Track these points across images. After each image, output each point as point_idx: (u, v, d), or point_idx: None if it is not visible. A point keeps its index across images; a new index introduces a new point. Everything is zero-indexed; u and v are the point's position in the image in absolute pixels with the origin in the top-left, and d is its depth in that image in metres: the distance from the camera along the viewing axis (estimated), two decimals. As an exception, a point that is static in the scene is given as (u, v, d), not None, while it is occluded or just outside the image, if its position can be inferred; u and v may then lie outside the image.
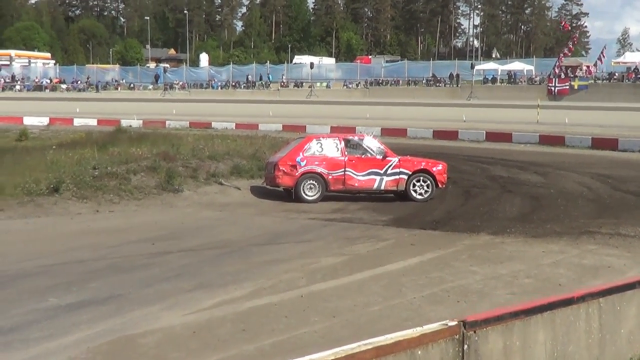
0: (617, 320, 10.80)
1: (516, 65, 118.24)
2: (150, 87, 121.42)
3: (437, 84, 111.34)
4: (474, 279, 18.35)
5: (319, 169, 31.05)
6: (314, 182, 30.99)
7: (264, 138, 48.43)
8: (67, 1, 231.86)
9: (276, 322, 14.53)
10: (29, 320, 14.76)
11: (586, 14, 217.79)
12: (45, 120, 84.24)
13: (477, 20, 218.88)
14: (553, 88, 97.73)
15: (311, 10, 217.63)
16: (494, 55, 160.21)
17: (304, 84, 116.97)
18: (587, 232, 24.89)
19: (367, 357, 7.63)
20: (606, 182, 37.91)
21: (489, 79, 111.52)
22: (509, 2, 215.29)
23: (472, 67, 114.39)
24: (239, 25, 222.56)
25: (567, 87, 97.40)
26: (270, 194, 32.01)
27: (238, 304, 15.84)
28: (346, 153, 31.46)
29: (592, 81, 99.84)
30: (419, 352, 8.14)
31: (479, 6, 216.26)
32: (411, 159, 32.38)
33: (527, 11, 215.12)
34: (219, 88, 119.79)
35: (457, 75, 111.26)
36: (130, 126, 72.53)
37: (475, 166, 44.81)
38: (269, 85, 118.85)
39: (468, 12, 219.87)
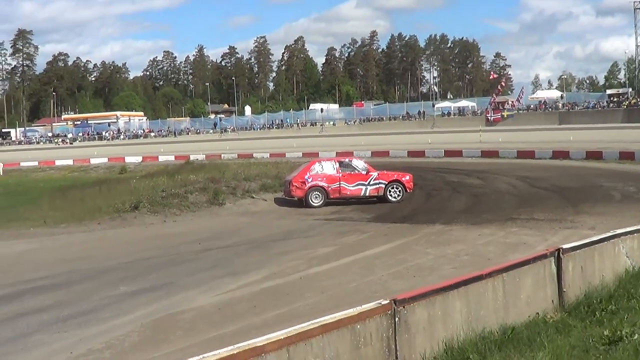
0: (518, 289, 10.19)
1: (463, 103, 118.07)
2: (211, 131, 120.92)
3: (410, 119, 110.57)
4: (428, 258, 17.68)
5: (321, 183, 30.69)
6: (318, 193, 30.61)
7: (286, 163, 48.27)
8: (154, 76, 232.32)
9: (279, 299, 13.92)
10: (103, 304, 14.47)
11: (509, 66, 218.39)
12: (139, 159, 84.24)
13: (435, 73, 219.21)
14: (490, 117, 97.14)
15: (320, 72, 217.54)
16: (448, 97, 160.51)
17: (317, 123, 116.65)
18: (510, 219, 24.16)
19: (315, 333, 6.93)
20: (526, 182, 37.27)
21: (446, 113, 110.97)
22: (457, 60, 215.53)
23: (433, 105, 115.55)
24: (271, 85, 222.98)
25: (499, 116, 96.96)
26: (288, 203, 31.26)
27: (254, 286, 15.25)
28: (340, 171, 31.10)
29: (516, 112, 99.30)
30: (358, 326, 7.52)
31: (436, 64, 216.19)
32: (387, 173, 32.02)
33: (469, 65, 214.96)
34: (258, 129, 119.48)
35: (423, 112, 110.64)
36: (197, 159, 72.51)
37: (435, 175, 43.98)
38: (292, 125, 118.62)
39: (429, 67, 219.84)
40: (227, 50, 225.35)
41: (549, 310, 10.59)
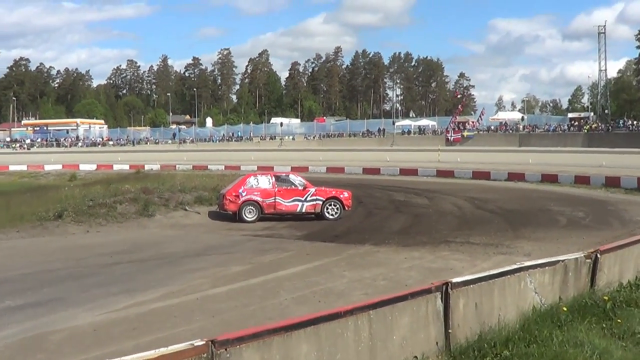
0: (389, 329, 8.78)
1: (424, 122, 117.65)
2: (170, 141, 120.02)
3: (370, 136, 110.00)
4: (342, 282, 16.56)
5: (256, 198, 29.70)
6: (252, 207, 29.62)
7: (233, 175, 46.73)
8: (117, 84, 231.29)
9: (164, 322, 12.74)
10: (-22, 319, 13.16)
11: (473, 86, 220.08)
12: (94, 167, 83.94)
13: (399, 91, 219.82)
14: (450, 137, 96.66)
15: (283, 86, 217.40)
16: (411, 115, 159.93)
17: (276, 137, 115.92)
18: (445, 242, 23.30)
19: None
20: (473, 203, 36.61)
21: (406, 131, 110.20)
22: (420, 79, 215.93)
23: (394, 123, 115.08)
24: (234, 98, 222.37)
25: (459, 136, 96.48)
26: (222, 217, 30.15)
27: (144, 306, 14.06)
28: (276, 185, 30.14)
29: (477, 132, 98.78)
30: (158, 373, 6.06)
31: (399, 82, 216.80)
32: (325, 189, 31.12)
33: (432, 85, 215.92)
34: (217, 141, 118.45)
35: (384, 129, 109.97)
36: (152, 169, 72.26)
37: (384, 193, 43.22)
38: (252, 138, 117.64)
39: (392, 85, 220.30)
40: (191, 61, 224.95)
41: (430, 354, 9.26)
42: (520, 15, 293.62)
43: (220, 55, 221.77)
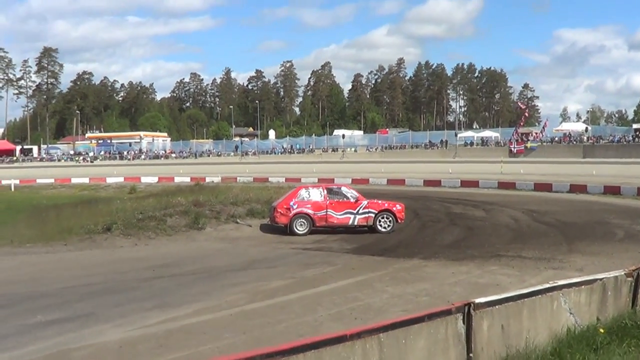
0: (402, 353, 7.97)
1: (487, 133, 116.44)
2: (232, 154, 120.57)
3: (432, 147, 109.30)
4: (382, 297, 15.95)
5: (307, 210, 29.33)
6: (303, 220, 29.25)
7: (289, 188, 46.45)
8: (180, 97, 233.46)
9: (192, 339, 12.32)
10: (4, 334, 12.96)
11: (537, 97, 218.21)
12: (155, 179, 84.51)
13: (462, 102, 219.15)
14: (513, 149, 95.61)
15: (346, 98, 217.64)
16: (474, 127, 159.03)
17: (339, 149, 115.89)
18: (496, 255, 22.59)
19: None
20: (531, 215, 35.86)
21: (468, 143, 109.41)
22: (484, 90, 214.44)
23: (456, 135, 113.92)
24: (296, 110, 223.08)
25: (523, 148, 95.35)
26: (273, 230, 29.83)
27: (175, 322, 13.66)
28: (328, 198, 29.75)
29: (540, 143, 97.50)
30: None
31: (462, 93, 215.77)
32: (377, 202, 30.49)
33: (496, 96, 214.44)
34: (280, 153, 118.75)
35: (446, 141, 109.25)
36: (213, 181, 72.57)
37: (442, 205, 42.63)
38: (314, 150, 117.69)
39: (456, 97, 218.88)
40: (254, 74, 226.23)
41: (450, 380, 8.51)
42: (585, 25, 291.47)
43: (283, 68, 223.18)
